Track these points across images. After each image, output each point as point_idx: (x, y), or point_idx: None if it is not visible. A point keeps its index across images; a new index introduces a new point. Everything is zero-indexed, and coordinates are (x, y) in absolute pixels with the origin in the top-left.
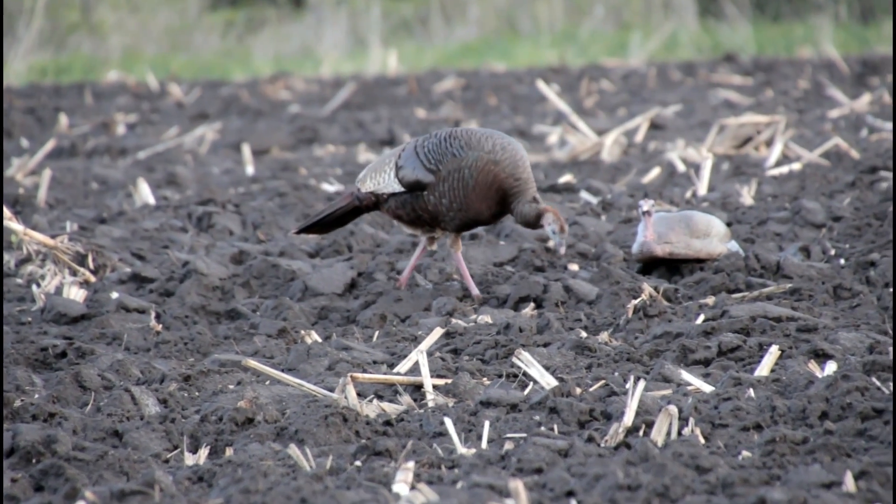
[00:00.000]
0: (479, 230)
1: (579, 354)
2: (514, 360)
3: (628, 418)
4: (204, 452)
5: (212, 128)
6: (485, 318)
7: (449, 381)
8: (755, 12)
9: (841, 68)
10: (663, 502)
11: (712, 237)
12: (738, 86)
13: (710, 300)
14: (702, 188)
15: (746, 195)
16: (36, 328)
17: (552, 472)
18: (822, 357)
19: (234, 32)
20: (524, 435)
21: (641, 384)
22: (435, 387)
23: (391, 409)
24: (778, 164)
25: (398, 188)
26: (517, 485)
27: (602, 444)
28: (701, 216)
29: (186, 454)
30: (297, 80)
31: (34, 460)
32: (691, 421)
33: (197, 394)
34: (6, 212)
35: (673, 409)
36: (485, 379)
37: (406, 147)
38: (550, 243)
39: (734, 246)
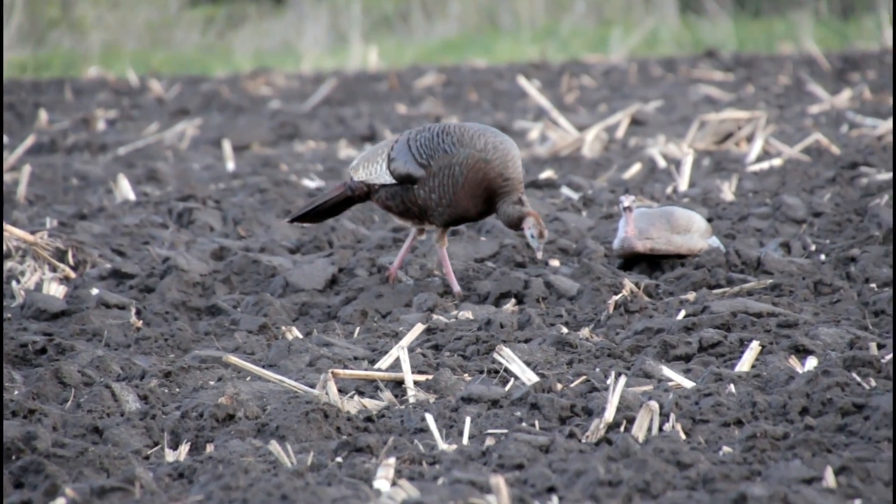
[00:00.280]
0: (461, 226)
1: (560, 350)
2: (496, 356)
3: (609, 414)
4: (184, 449)
5: (192, 124)
6: (466, 314)
7: (430, 377)
8: (736, 8)
9: (821, 64)
10: (644, 498)
11: (693, 233)
12: (719, 82)
13: (691, 296)
14: (682, 184)
15: (727, 191)
16: (16, 324)
17: (533, 467)
18: (802, 352)
19: (214, 28)
20: (505, 431)
21: (622, 380)
22: (416, 383)
23: (372, 405)
24: (758, 159)
25: (389, 180)
26: (498, 481)
27: (583, 440)
28: (682, 212)
29: (167, 451)
30: (277, 75)
31: (14, 457)
32: (672, 416)
33: (177, 390)
34: None
35: (654, 404)
36: (466, 375)
37: (399, 139)
38: (530, 245)
39: (715, 241)
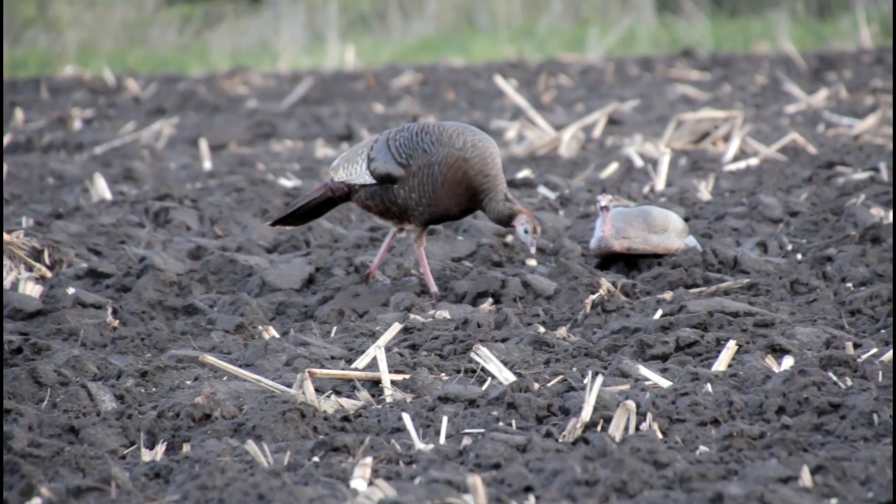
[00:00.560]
0: (438, 225)
1: (537, 350)
2: (473, 355)
3: (586, 413)
4: (161, 448)
5: (169, 123)
6: (443, 314)
7: (407, 376)
8: (712, 7)
9: (798, 64)
10: (621, 497)
11: (670, 232)
12: (696, 81)
13: (668, 295)
14: (659, 183)
15: (704, 190)
16: None
17: (510, 467)
18: (779, 352)
19: (191, 27)
20: (482, 430)
21: (599, 379)
22: (393, 382)
23: (349, 404)
24: (735, 159)
25: (369, 180)
26: (475, 480)
27: (560, 440)
28: (659, 211)
29: (143, 450)
30: (254, 74)
31: None
32: (649, 416)
33: (154, 390)
34: None
35: (631, 404)
36: (443, 374)
37: (379, 139)
38: (523, 241)
39: (692, 241)
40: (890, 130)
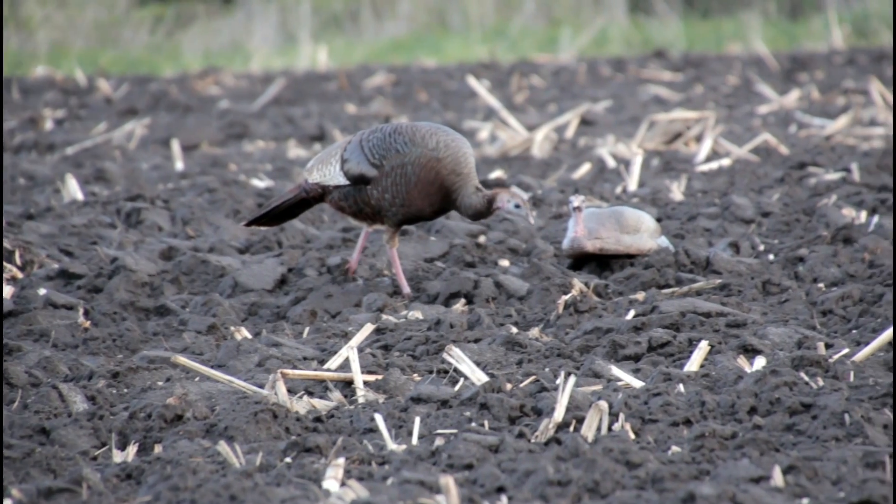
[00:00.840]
0: (411, 226)
1: (510, 350)
2: (445, 356)
3: (559, 414)
4: (132, 450)
5: (141, 123)
6: (415, 314)
7: (379, 377)
8: (685, 8)
9: (770, 64)
10: (593, 497)
11: (642, 233)
12: (668, 82)
13: (640, 296)
14: (632, 184)
15: (676, 191)
16: None
17: (483, 467)
18: (751, 352)
19: (163, 27)
20: (455, 431)
21: (572, 380)
22: (365, 383)
23: (321, 405)
24: (707, 159)
25: (343, 181)
26: (448, 481)
27: (532, 440)
28: (631, 212)
29: (115, 451)
30: (226, 75)
31: None
32: (621, 416)
33: (126, 390)
34: None
35: (603, 404)
36: (415, 375)
37: (352, 140)
38: (516, 215)
39: (664, 241)
40: (861, 131)
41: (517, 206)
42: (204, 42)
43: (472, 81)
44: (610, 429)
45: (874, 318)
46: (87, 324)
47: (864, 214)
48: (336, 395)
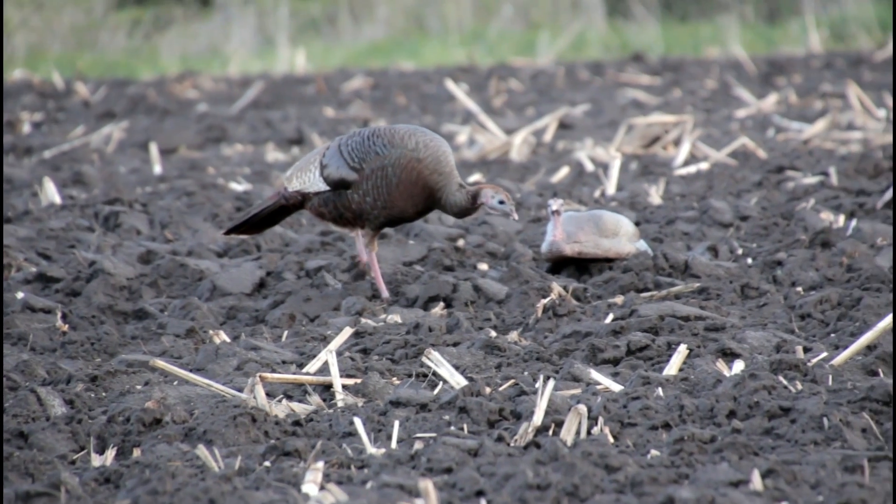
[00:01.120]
0: (390, 230)
1: (489, 354)
2: (424, 359)
3: (538, 418)
4: (111, 453)
5: (119, 127)
6: (394, 318)
7: (358, 380)
8: (663, 12)
9: (748, 68)
10: (572, 501)
11: (621, 236)
12: (646, 85)
13: (619, 299)
14: (610, 187)
15: (654, 194)
16: None
17: (462, 471)
18: (729, 356)
19: (140, 31)
20: (434, 435)
21: (551, 383)
22: (344, 387)
23: (300, 409)
24: (686, 163)
25: (323, 187)
26: (427, 484)
27: (512, 444)
28: (610, 215)
29: (93, 455)
30: (204, 78)
31: None
32: (600, 420)
33: (104, 394)
34: None
35: (582, 408)
36: (394, 378)
37: (331, 145)
38: (501, 211)
39: (643, 245)
40: (839, 135)
41: (501, 202)
42: (182, 45)
43: (450, 85)
44: (589, 432)
45: (852, 322)
46: (66, 327)
47: (842, 218)
48: (315, 399)
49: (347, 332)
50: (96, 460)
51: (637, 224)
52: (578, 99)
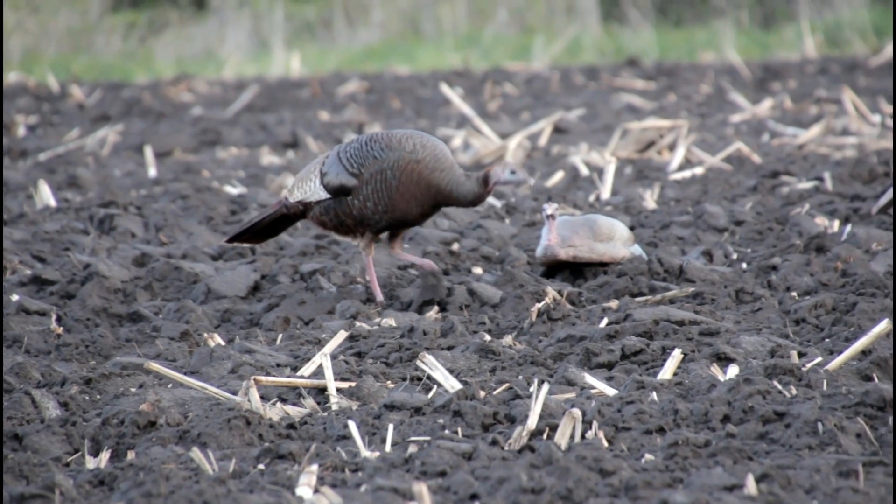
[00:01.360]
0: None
1: (483, 357)
2: (418, 363)
3: (532, 421)
4: (105, 456)
5: (113, 130)
6: (389, 321)
7: (353, 384)
8: (657, 17)
9: (743, 73)
10: None
11: (616, 241)
12: (641, 90)
13: (614, 304)
14: (605, 192)
15: (649, 199)
16: None
17: (456, 475)
18: (724, 360)
19: (135, 34)
20: (428, 438)
21: (545, 387)
22: (339, 390)
23: (295, 412)
24: (680, 168)
25: (324, 195)
26: (421, 488)
27: (506, 448)
28: (604, 220)
29: (88, 458)
30: (199, 82)
31: None
32: (595, 424)
33: (98, 397)
34: None
35: (576, 412)
36: (389, 382)
37: (330, 154)
38: (517, 181)
39: (637, 249)
40: (834, 140)
41: (513, 173)
42: (177, 49)
43: (445, 89)
44: (583, 436)
45: (847, 327)
46: (60, 330)
47: (836, 223)
48: (309, 402)
49: (342, 335)
50: (90, 462)
51: (632, 228)
52: (573, 103)
